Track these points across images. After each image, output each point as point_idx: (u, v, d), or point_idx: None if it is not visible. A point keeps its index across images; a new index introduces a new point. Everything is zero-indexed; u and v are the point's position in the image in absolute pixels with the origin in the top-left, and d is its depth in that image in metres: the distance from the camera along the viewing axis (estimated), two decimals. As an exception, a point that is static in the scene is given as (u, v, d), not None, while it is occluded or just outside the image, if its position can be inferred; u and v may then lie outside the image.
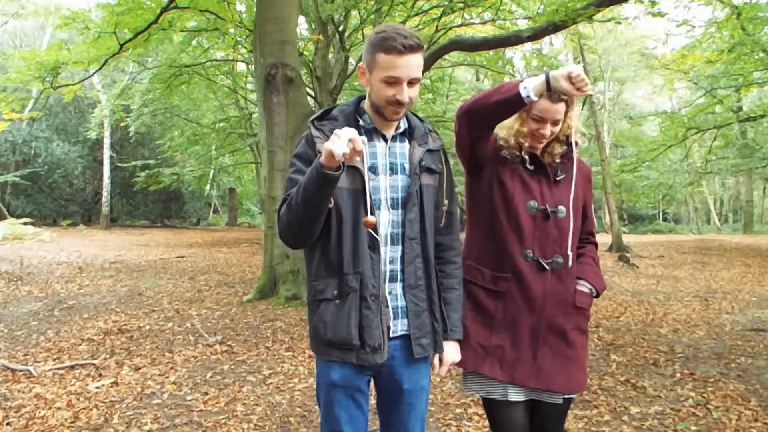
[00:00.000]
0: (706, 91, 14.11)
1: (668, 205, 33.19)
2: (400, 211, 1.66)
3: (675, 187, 19.93)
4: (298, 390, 3.75)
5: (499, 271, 1.86)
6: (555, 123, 1.85)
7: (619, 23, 10.31)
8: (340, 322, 1.59)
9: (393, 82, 1.56)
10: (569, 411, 3.39)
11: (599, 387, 3.88)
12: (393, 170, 1.67)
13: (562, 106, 1.83)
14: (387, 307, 1.64)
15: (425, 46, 1.61)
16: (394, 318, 1.65)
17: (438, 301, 1.71)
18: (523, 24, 10.64)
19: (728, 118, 14.57)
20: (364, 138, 1.49)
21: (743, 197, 24.59)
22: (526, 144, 1.88)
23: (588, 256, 2.01)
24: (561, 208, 1.88)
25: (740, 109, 15.12)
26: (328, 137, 1.60)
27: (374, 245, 1.60)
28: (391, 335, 1.64)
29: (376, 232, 1.60)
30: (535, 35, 8.12)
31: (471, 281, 1.88)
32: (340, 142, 1.39)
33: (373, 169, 1.64)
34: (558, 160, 1.92)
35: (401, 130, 1.70)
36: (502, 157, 1.89)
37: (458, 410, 3.44)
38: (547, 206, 1.86)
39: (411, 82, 1.57)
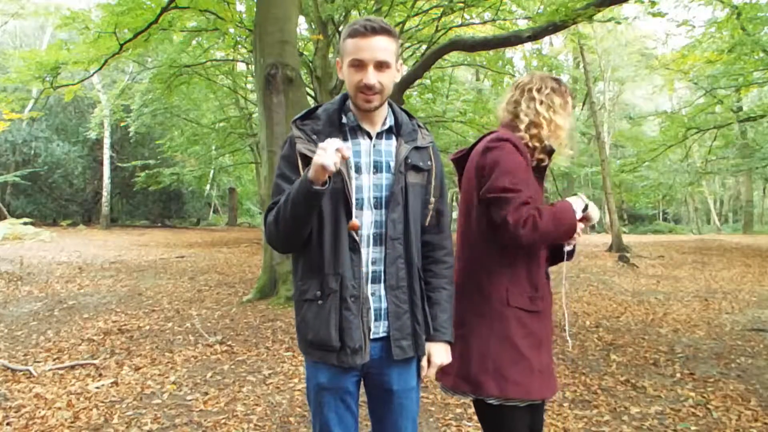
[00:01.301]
0: (706, 91, 14.11)
1: (668, 205, 33.20)
2: (383, 210, 1.62)
3: (675, 187, 19.92)
4: (298, 390, 3.75)
5: (535, 291, 1.84)
6: None
7: (619, 23, 10.29)
8: (321, 323, 1.57)
9: (358, 64, 1.53)
10: (569, 411, 3.40)
11: (599, 387, 3.88)
12: (377, 168, 1.63)
13: None
14: (369, 308, 1.61)
15: (398, 34, 1.60)
16: (376, 319, 1.62)
17: (420, 303, 1.66)
18: (523, 24, 10.64)
19: (728, 118, 14.57)
20: (350, 144, 1.48)
21: (743, 197, 24.57)
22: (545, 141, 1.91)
23: None
24: None
25: (740, 109, 15.12)
26: (309, 137, 1.60)
27: (355, 246, 1.58)
28: (372, 336, 1.62)
29: (358, 235, 1.58)
30: (535, 35, 8.12)
31: (518, 307, 1.80)
32: (328, 154, 1.38)
33: (357, 168, 1.61)
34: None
35: (387, 126, 1.65)
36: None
37: (458, 410, 3.44)
38: None
39: (380, 67, 1.53)
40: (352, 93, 1.58)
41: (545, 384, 1.80)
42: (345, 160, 1.44)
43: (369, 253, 1.61)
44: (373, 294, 1.62)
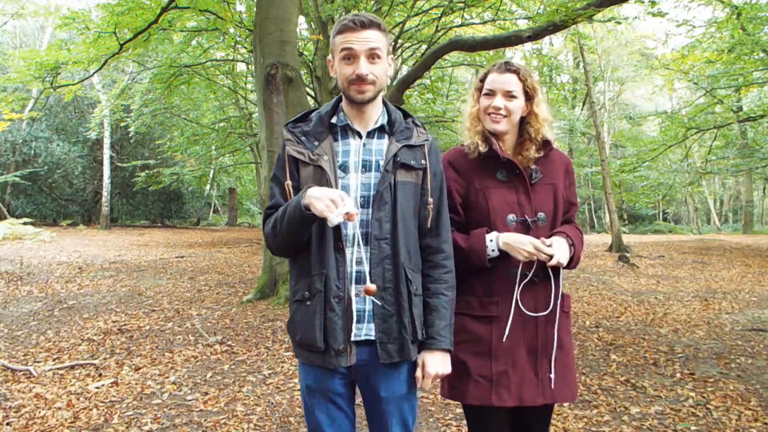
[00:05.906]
0: (706, 91, 14.09)
1: (668, 205, 33.16)
2: (370, 209, 1.59)
3: (675, 187, 19.91)
4: (298, 390, 3.75)
5: (489, 295, 1.79)
6: (508, 96, 1.80)
7: (619, 23, 10.30)
8: (308, 324, 1.57)
9: (349, 56, 1.56)
10: (569, 411, 3.40)
11: (599, 387, 3.88)
12: (366, 168, 1.61)
13: (510, 77, 1.79)
14: (352, 309, 1.57)
15: (385, 27, 1.65)
16: (359, 321, 1.58)
17: (408, 307, 1.58)
18: (523, 24, 10.64)
19: (728, 118, 14.55)
20: (358, 211, 1.52)
21: (743, 197, 24.54)
22: (480, 128, 1.84)
23: (564, 228, 1.88)
24: (541, 215, 1.81)
25: (740, 109, 15.10)
26: (298, 139, 1.62)
27: (339, 246, 1.56)
28: (353, 338, 1.57)
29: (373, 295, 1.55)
30: (535, 35, 8.11)
31: (458, 312, 1.77)
32: (337, 213, 1.42)
33: (344, 168, 1.61)
34: (534, 166, 1.85)
35: (378, 125, 1.65)
36: (477, 176, 1.85)
37: (458, 410, 3.44)
38: (527, 217, 1.79)
39: (371, 57, 1.56)
40: (345, 86, 1.60)
41: (497, 393, 1.74)
42: (351, 220, 1.48)
43: (354, 253, 1.58)
44: (357, 295, 1.59)
